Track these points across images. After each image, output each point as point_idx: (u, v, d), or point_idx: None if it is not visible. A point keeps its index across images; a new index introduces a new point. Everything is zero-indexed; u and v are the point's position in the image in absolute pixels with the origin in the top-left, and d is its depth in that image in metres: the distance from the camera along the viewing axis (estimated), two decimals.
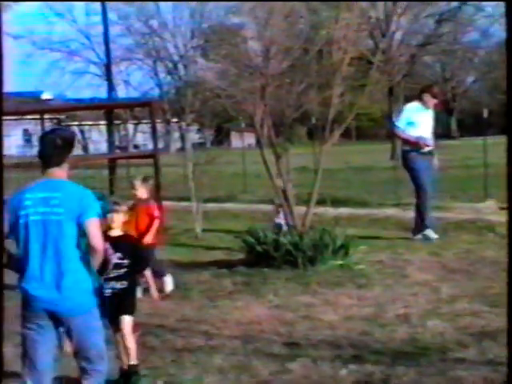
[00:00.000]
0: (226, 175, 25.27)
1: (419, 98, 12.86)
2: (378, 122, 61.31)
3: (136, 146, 57.83)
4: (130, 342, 6.36)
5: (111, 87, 18.92)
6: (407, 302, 8.71)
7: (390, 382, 6.21)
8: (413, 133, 12.51)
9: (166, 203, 15.05)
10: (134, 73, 50.84)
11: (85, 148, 58.33)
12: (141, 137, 58.78)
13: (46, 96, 51.96)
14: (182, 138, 24.88)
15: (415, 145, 12.48)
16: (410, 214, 13.44)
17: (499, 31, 43.22)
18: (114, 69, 33.67)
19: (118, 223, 6.51)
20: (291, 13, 12.07)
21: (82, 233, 5.08)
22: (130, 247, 6.58)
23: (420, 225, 12.51)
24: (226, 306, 8.90)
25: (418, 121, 12.55)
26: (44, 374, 5.25)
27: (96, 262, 5.20)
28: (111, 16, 32.99)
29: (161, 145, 39.90)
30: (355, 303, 8.77)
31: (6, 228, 5.10)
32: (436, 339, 7.29)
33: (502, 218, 13.98)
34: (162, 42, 47.93)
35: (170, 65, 48.56)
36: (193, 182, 15.28)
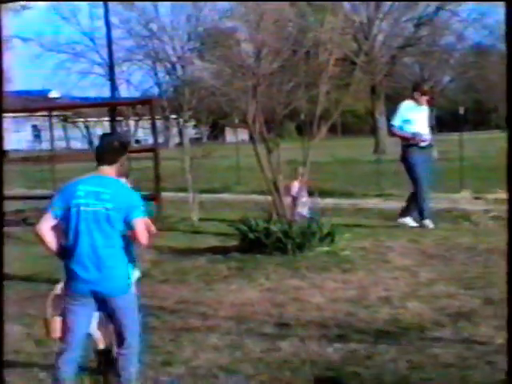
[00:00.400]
0: (221, 168, 25.26)
1: (411, 96, 12.79)
2: (361, 119, 61.43)
3: (137, 141, 57.67)
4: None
5: (114, 86, 18.85)
6: (388, 285, 8.72)
7: (373, 359, 6.22)
8: (409, 130, 12.42)
9: (165, 194, 15.08)
10: (135, 73, 50.96)
11: (90, 142, 58.20)
12: (142, 132, 58.70)
13: (53, 94, 51.91)
14: (180, 133, 24.81)
15: (412, 140, 12.39)
16: (392, 204, 13.42)
17: (473, 34, 43.46)
18: (117, 69, 33.66)
19: None
20: (281, 17, 12.05)
21: (127, 227, 5.26)
22: None
23: (406, 212, 12.48)
24: (221, 290, 8.90)
25: (413, 118, 12.41)
26: (78, 343, 5.40)
27: (137, 251, 5.46)
28: (113, 20, 32.94)
29: (160, 140, 39.78)
30: (340, 286, 8.77)
31: (58, 212, 5.25)
32: (415, 319, 7.30)
33: (477, 207, 14.05)
34: (160, 44, 47.88)
35: (169, 65, 48.52)
36: (190, 174, 15.26)
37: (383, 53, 40.77)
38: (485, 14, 40.89)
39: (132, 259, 5.42)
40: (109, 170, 5.38)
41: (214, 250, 11.16)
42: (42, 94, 47.65)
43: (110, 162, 5.38)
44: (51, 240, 5.27)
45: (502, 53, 51.00)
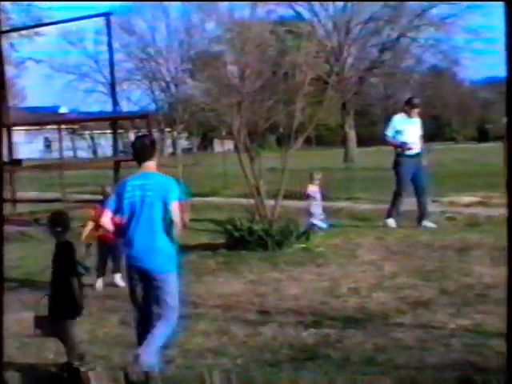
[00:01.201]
0: (210, 174, 25.15)
1: (403, 110, 12.78)
2: (333, 131, 61.34)
3: None
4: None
5: (115, 103, 18.75)
6: (357, 277, 8.71)
7: (343, 342, 6.22)
8: (401, 139, 12.42)
9: None
10: (134, 91, 50.56)
11: (94, 152, 57.96)
12: None
13: (62, 110, 51.63)
14: (174, 144, 24.82)
15: (400, 148, 12.39)
16: (360, 206, 13.36)
17: (430, 58, 43.64)
18: (118, 88, 33.46)
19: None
20: (262, 42, 12.07)
21: (167, 210, 5.51)
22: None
23: (421, 217, 12.35)
24: (209, 282, 8.88)
25: (404, 129, 12.38)
26: (145, 313, 5.62)
27: (176, 232, 5.60)
28: (115, 44, 32.79)
29: None
30: (315, 279, 8.77)
31: (114, 206, 5.68)
32: (380, 307, 7.30)
33: (435, 209, 14.03)
34: (156, 66, 47.80)
35: (164, 84, 48.39)
36: (182, 180, 15.22)
37: (352, 74, 40.92)
38: (440, 41, 41.14)
39: (173, 242, 5.62)
40: (150, 165, 5.70)
41: (203, 247, 11.13)
42: (53, 110, 47.40)
43: (149, 158, 5.70)
44: (111, 228, 5.72)
45: (455, 74, 51.23)
